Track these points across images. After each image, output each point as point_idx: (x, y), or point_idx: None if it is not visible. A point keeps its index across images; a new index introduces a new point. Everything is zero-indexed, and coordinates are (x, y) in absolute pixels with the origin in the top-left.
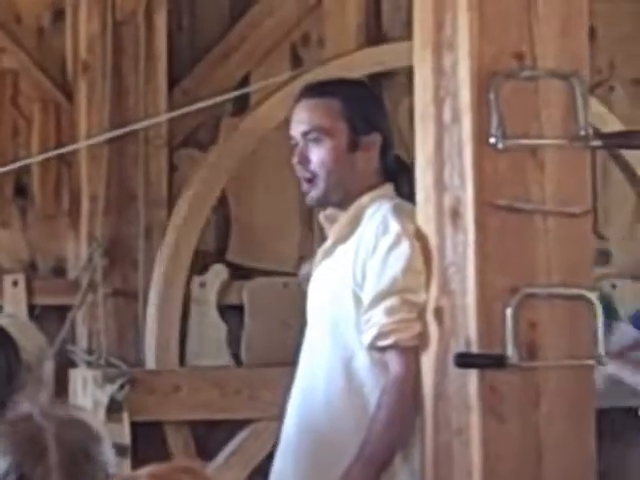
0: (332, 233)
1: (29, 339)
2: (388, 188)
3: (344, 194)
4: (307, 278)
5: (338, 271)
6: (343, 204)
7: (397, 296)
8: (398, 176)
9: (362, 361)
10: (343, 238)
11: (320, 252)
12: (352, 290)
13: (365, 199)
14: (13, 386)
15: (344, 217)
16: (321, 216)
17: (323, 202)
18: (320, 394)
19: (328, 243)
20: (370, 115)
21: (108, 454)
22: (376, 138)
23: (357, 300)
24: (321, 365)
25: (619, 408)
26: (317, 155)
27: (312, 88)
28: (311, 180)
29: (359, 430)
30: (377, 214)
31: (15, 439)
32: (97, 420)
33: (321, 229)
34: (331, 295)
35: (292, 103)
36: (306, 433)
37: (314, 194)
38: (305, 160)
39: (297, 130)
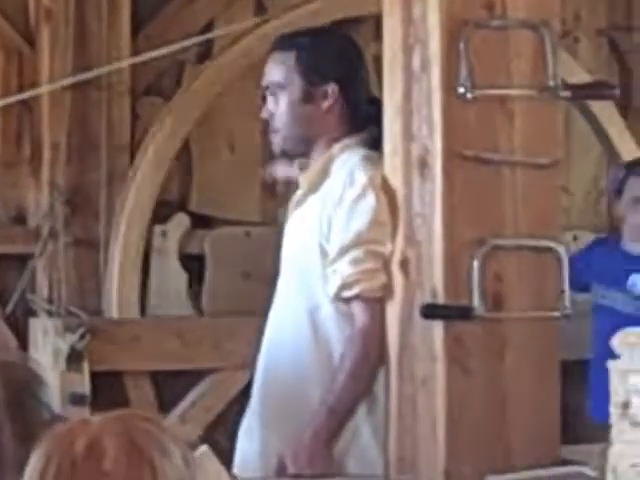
0: (302, 182)
1: None
2: (361, 137)
3: (305, 145)
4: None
5: (306, 222)
6: (309, 155)
7: (362, 247)
8: (369, 122)
9: (328, 312)
10: (313, 188)
11: (291, 202)
12: (318, 241)
13: (335, 149)
14: None
15: (314, 167)
16: (296, 164)
17: (285, 153)
18: (287, 345)
19: (299, 193)
20: (325, 65)
21: (52, 397)
22: (332, 88)
23: (323, 252)
24: (288, 316)
25: None
26: (276, 108)
27: (278, 40)
28: (274, 133)
29: (325, 380)
30: (345, 165)
31: None
32: (40, 367)
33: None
34: (299, 246)
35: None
36: (272, 384)
37: (276, 145)
38: (269, 113)
39: (263, 83)
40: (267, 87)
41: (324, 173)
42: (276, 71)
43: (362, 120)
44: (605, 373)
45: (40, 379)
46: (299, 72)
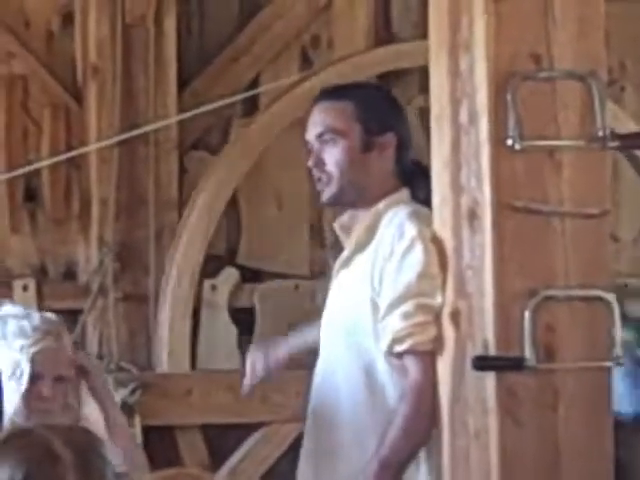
0: (349, 243)
1: None
2: (404, 193)
3: (358, 194)
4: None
5: (356, 280)
6: (358, 205)
7: (412, 301)
8: (414, 180)
9: (382, 368)
10: (360, 247)
11: (338, 263)
12: (370, 297)
13: (381, 205)
14: None
15: (361, 225)
16: (336, 225)
17: (337, 201)
18: (342, 402)
19: (345, 253)
20: (383, 116)
21: (112, 456)
22: (390, 138)
23: (375, 307)
24: (341, 375)
25: None
26: (331, 156)
27: (327, 92)
28: (326, 180)
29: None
30: (394, 220)
31: (25, 450)
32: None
33: (333, 233)
34: (348, 304)
35: (308, 108)
36: (328, 442)
37: (328, 192)
38: (320, 162)
39: (312, 133)
40: (321, 134)
41: (371, 231)
42: (334, 119)
43: (408, 175)
44: None
45: (100, 439)
46: (359, 120)
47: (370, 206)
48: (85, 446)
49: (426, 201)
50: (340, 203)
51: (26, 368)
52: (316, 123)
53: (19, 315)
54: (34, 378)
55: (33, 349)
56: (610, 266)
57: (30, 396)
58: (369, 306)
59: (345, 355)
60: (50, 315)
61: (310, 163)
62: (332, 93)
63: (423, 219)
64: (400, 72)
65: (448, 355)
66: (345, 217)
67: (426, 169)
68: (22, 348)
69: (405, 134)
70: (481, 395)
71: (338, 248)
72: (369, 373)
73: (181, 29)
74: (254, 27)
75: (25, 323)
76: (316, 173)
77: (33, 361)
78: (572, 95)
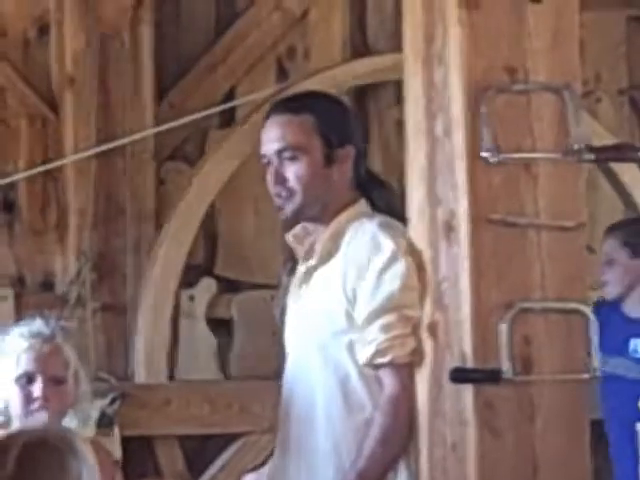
0: (310, 254)
1: None
2: (363, 204)
3: (321, 209)
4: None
5: (324, 294)
6: (319, 218)
7: (393, 312)
8: (370, 190)
9: (356, 378)
10: (324, 259)
11: (298, 276)
12: (345, 309)
13: (343, 217)
14: None
15: (323, 237)
16: (289, 237)
17: (299, 217)
18: (319, 416)
19: (303, 269)
20: (343, 128)
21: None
22: (350, 151)
23: (349, 319)
24: (317, 388)
25: None
26: (293, 172)
27: (282, 104)
28: (287, 197)
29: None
30: (362, 232)
31: None
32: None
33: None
34: (318, 319)
35: (262, 121)
36: (305, 455)
37: (290, 209)
38: (281, 178)
39: (270, 148)
40: (280, 151)
41: (335, 242)
42: (295, 134)
43: (364, 185)
44: (623, 447)
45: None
46: (320, 134)
47: (331, 219)
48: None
49: (387, 210)
50: (302, 219)
51: (19, 371)
52: (275, 139)
53: (21, 323)
54: (28, 380)
55: (25, 352)
56: (586, 278)
57: (24, 398)
58: (344, 319)
59: (319, 370)
60: (51, 321)
61: (269, 179)
62: (289, 105)
63: (395, 231)
64: (376, 83)
65: (426, 367)
66: (298, 228)
67: (380, 178)
68: (18, 352)
69: (360, 145)
70: (459, 407)
71: (290, 261)
72: (345, 386)
73: (157, 39)
74: (230, 37)
75: (23, 329)
76: (276, 189)
77: (25, 363)
78: (547, 108)
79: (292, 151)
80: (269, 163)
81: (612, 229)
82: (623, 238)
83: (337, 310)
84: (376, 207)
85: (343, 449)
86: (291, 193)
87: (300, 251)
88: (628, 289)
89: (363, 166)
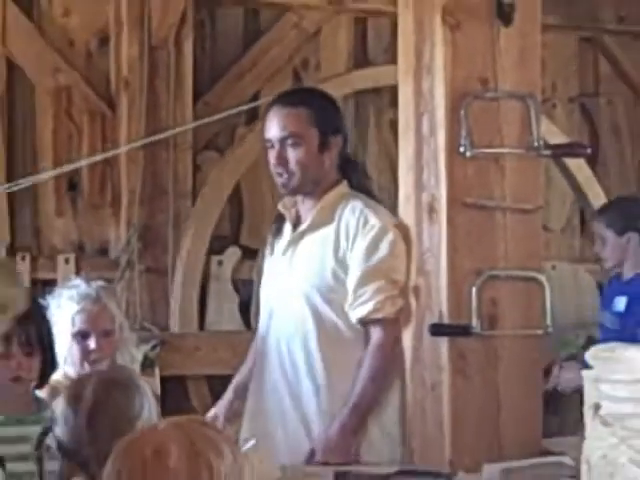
0: (297, 225)
1: None
2: (345, 184)
3: (313, 186)
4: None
5: (314, 254)
6: (311, 194)
7: (384, 276)
8: (349, 171)
9: (343, 329)
10: (314, 227)
11: (284, 241)
12: (332, 268)
13: (330, 196)
14: None
15: (314, 210)
16: (279, 205)
17: (296, 193)
18: (299, 358)
19: (300, 230)
20: (333, 119)
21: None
22: (339, 139)
23: (335, 276)
24: (297, 334)
25: None
26: (294, 157)
27: (284, 97)
28: (287, 176)
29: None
30: (351, 207)
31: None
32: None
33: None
34: (310, 273)
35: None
36: (297, 400)
37: (290, 185)
38: (283, 160)
39: (274, 134)
40: (284, 138)
41: (326, 215)
42: (295, 125)
43: (343, 167)
44: None
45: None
46: (316, 124)
47: (320, 195)
48: (108, 383)
49: (361, 189)
50: (298, 193)
51: (75, 329)
52: (278, 127)
53: (70, 285)
54: (83, 336)
55: (77, 314)
56: (542, 251)
57: (82, 350)
58: (330, 275)
59: (310, 323)
60: (94, 282)
61: (273, 159)
62: (289, 98)
63: (377, 208)
64: (374, 90)
65: (410, 323)
66: (287, 198)
67: (356, 162)
68: (71, 312)
69: (345, 133)
70: (436, 356)
71: (277, 227)
72: (320, 328)
73: (196, 50)
74: (255, 51)
75: (73, 292)
76: (278, 169)
77: (79, 323)
78: (513, 112)
79: (294, 138)
80: (272, 146)
81: (599, 212)
82: (606, 221)
83: (326, 268)
84: (353, 186)
85: (338, 395)
86: (291, 174)
87: (288, 216)
88: (620, 261)
89: (346, 152)
